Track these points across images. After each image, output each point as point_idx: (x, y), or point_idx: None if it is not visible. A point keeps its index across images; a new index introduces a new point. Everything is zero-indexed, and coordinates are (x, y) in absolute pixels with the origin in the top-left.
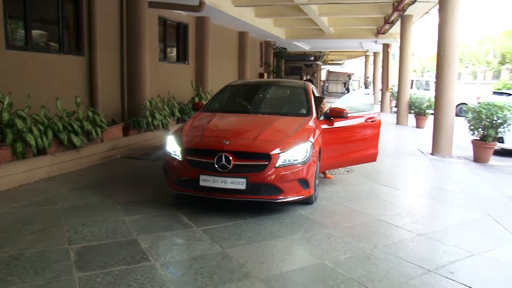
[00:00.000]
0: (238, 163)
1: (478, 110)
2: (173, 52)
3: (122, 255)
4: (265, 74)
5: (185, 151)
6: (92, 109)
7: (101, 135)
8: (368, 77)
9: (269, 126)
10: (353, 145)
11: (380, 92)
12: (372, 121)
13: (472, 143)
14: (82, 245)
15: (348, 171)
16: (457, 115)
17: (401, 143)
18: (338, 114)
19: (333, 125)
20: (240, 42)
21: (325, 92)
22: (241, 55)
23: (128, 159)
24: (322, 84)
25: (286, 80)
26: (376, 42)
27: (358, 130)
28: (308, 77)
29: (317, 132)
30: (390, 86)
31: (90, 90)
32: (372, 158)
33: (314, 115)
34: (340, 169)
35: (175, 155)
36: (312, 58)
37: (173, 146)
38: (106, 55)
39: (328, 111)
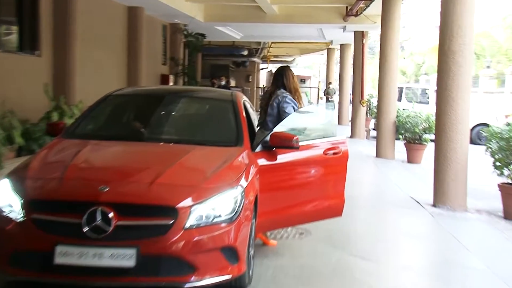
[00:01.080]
0: (124, 223)
1: (507, 136)
2: (11, 34)
3: None
4: (171, 78)
5: (31, 204)
6: None
7: None
8: (330, 83)
9: (175, 162)
10: (306, 192)
11: (351, 106)
12: (334, 154)
13: (499, 189)
14: None
15: (302, 233)
16: (473, 142)
17: (385, 187)
18: (284, 142)
19: (276, 160)
20: (130, 23)
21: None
22: (131, 45)
23: None
24: (261, 93)
25: (204, 89)
26: (344, 28)
27: (314, 167)
28: (224, 83)
29: (252, 171)
30: (366, 97)
31: None
32: (336, 211)
33: (247, 143)
34: (288, 229)
35: (10, 212)
36: (246, 53)
37: (7, 197)
38: None
39: (267, 139)
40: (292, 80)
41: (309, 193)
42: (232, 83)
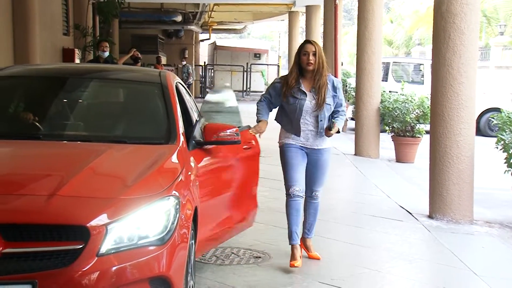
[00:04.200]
0: (14, 250)
1: None
2: None
3: None
4: (77, 53)
5: None
6: None
7: None
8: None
9: (84, 166)
10: (228, 200)
11: None
12: (246, 149)
13: None
14: None
15: (258, 257)
16: (481, 132)
17: (368, 195)
18: (224, 137)
19: (214, 158)
20: None
21: (208, 90)
22: (17, 8)
23: None
24: (202, 73)
25: (123, 68)
26: None
27: (233, 168)
28: (137, 56)
29: (190, 176)
30: (341, 76)
31: None
32: (249, 222)
33: (182, 139)
34: (240, 252)
35: None
36: (179, 19)
37: None
38: None
39: (202, 132)
40: None
41: (230, 201)
42: (163, 59)
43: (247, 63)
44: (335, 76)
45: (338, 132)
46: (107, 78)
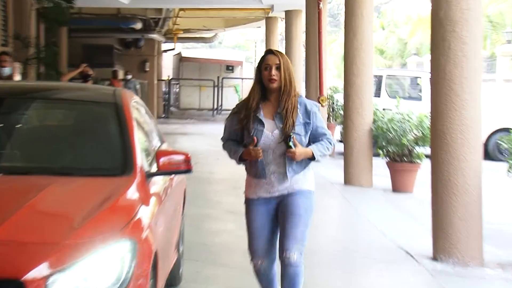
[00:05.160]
0: None
1: None
2: None
3: None
4: (17, 67)
5: None
6: None
7: None
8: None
9: (21, 205)
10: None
11: None
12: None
13: None
14: None
15: None
16: (490, 157)
17: (360, 233)
18: (178, 165)
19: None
20: None
21: (172, 108)
22: None
23: None
24: (165, 89)
25: (69, 86)
26: None
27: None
28: (87, 73)
29: (149, 213)
30: (326, 92)
31: None
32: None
33: (140, 170)
34: None
35: None
36: (139, 26)
37: None
38: None
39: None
40: None
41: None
42: (120, 74)
43: (218, 77)
44: (320, 93)
45: (312, 159)
46: (51, 98)
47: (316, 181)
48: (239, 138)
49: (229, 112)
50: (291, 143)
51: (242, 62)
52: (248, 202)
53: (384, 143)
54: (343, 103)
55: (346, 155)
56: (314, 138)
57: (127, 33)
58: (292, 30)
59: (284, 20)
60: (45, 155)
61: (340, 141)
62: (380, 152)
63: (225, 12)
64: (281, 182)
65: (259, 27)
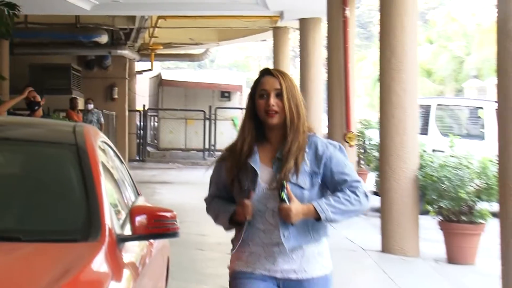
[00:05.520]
0: None
1: None
2: None
3: None
4: None
5: None
6: None
7: None
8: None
9: None
10: None
11: None
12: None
13: None
14: None
15: None
16: None
17: None
18: (161, 227)
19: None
20: None
21: (149, 149)
22: None
23: None
24: (140, 122)
25: (15, 120)
26: None
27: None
28: (34, 100)
29: None
30: (355, 127)
31: None
32: None
33: (109, 233)
34: None
35: None
36: (104, 40)
37: None
38: None
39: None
40: None
41: None
42: (79, 102)
43: (210, 107)
44: (347, 128)
45: (329, 220)
46: None
47: (342, 248)
48: (230, 195)
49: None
50: (284, 194)
51: (241, 86)
52: (235, 276)
53: (434, 197)
54: (378, 142)
55: (383, 213)
56: (333, 189)
57: (89, 49)
58: (309, 44)
59: (297, 31)
60: None
61: (375, 194)
62: (430, 208)
63: (219, 21)
64: (285, 259)
65: (265, 40)
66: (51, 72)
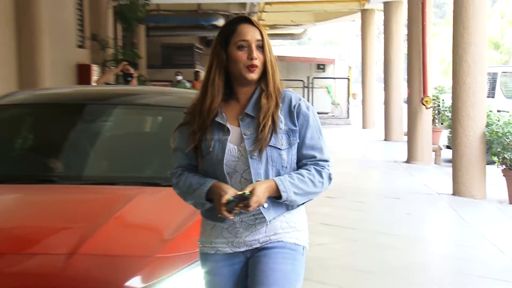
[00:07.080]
0: None
1: None
2: None
3: None
4: (95, 70)
5: None
6: None
7: None
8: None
9: (109, 217)
10: None
11: (407, 107)
12: None
13: None
14: None
15: None
16: None
17: (473, 247)
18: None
19: None
20: None
21: None
22: (22, 17)
23: None
24: None
25: (154, 90)
26: None
27: None
28: (128, 72)
29: None
30: (431, 93)
31: None
32: None
33: None
34: None
35: None
36: (222, 23)
37: None
38: None
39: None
40: None
41: None
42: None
43: (308, 77)
44: (424, 93)
45: (289, 201)
46: (136, 104)
47: (419, 192)
48: (192, 159)
49: (321, 115)
50: (247, 193)
51: (334, 60)
52: (202, 258)
53: (499, 149)
54: (450, 105)
55: (455, 163)
56: (298, 160)
57: (208, 31)
58: (392, 23)
59: (381, 12)
60: (132, 164)
61: (448, 147)
62: (495, 159)
63: (315, 5)
64: (249, 228)
65: (354, 20)
66: (178, 50)
